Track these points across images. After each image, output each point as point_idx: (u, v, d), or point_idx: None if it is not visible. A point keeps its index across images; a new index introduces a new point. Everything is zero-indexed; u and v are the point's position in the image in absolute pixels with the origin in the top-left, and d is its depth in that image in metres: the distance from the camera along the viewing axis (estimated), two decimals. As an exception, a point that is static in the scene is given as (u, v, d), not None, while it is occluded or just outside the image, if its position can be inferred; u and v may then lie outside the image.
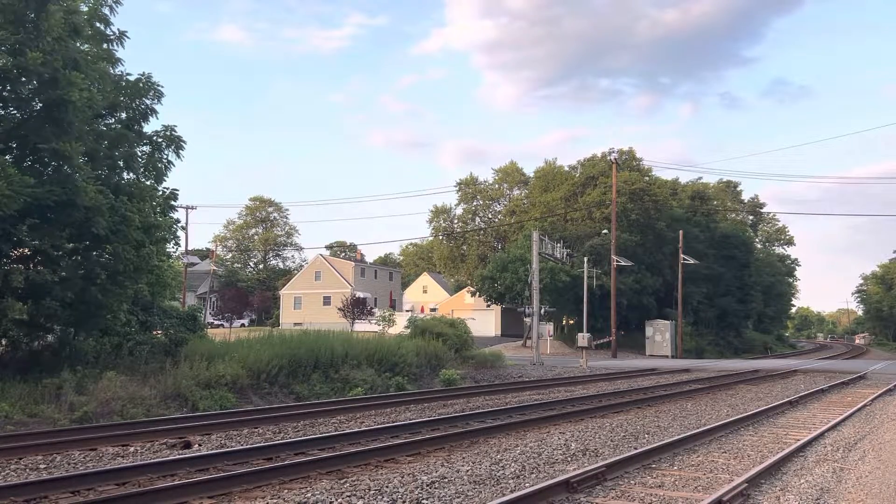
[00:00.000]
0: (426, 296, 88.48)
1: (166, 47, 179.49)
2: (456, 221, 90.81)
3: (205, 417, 14.62)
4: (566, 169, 70.19)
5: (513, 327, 61.17)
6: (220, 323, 59.05)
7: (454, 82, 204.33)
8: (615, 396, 20.31)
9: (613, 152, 57.70)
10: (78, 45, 16.31)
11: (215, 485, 8.31)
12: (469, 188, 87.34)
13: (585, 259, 50.56)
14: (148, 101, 18.02)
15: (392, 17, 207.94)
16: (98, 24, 17.42)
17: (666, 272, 61.67)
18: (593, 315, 51.82)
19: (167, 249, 19.93)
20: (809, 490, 8.66)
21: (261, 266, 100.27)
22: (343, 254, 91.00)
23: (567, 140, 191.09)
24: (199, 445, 11.53)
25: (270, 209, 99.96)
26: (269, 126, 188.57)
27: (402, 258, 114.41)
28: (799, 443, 11.80)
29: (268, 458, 10.28)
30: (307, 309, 74.20)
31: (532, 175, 77.62)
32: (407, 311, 71.87)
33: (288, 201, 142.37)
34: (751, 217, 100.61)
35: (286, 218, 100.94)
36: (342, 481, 8.88)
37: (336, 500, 7.93)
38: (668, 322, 54.64)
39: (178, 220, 19.81)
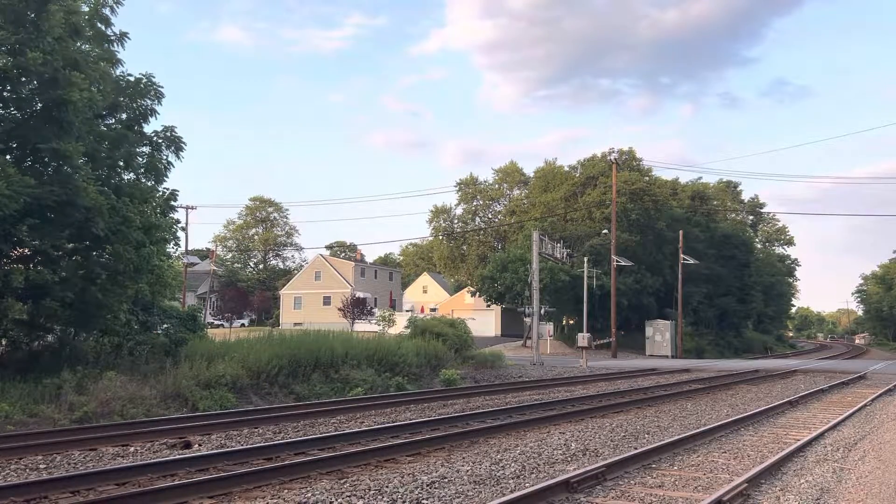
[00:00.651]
0: (426, 296, 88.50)
1: (166, 47, 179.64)
2: (456, 221, 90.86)
3: (205, 417, 14.62)
4: (566, 169, 70.22)
5: (513, 327, 61.17)
6: (220, 323, 59.06)
7: (454, 82, 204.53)
8: (615, 396, 20.31)
9: (613, 152, 57.83)
10: (78, 45, 16.32)
11: (215, 485, 8.31)
12: (469, 188, 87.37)
13: (585, 259, 50.57)
14: (148, 102, 18.03)
15: (392, 18, 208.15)
16: (99, 25, 17.43)
17: (666, 272, 61.68)
18: (593, 315, 51.83)
19: (167, 250, 19.93)
20: (809, 490, 8.66)
21: (261, 266, 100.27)
22: (343, 254, 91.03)
23: (567, 140, 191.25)
24: (199, 445, 11.53)
25: (270, 209, 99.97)
26: (269, 126, 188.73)
27: (402, 258, 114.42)
28: (799, 443, 11.80)
29: (268, 458, 10.28)
30: (307, 309, 74.22)
31: (532, 175, 77.70)
32: (407, 311, 71.89)
33: (288, 201, 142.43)
34: (751, 217, 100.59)
35: (286, 218, 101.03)
36: (342, 481, 8.88)
37: (336, 500, 7.93)
38: (668, 322, 54.65)
39: (178, 221, 19.84)
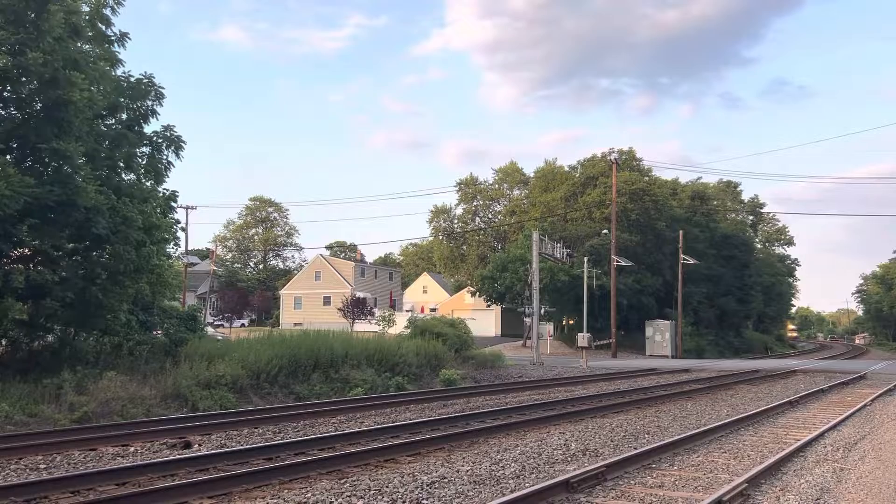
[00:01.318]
0: (426, 296, 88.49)
1: (167, 48, 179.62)
2: (456, 221, 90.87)
3: (205, 417, 14.63)
4: (566, 169, 70.21)
5: (513, 327, 61.16)
6: (220, 323, 59.07)
7: (454, 83, 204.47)
8: (615, 396, 20.31)
9: (613, 152, 57.74)
10: (79, 45, 16.31)
11: (215, 485, 8.31)
12: (469, 188, 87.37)
13: (585, 259, 50.56)
14: (149, 103, 18.02)
15: (392, 18, 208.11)
16: (99, 25, 17.42)
17: (666, 272, 61.68)
18: (593, 315, 51.81)
19: (167, 250, 19.92)
20: (809, 490, 8.66)
21: (261, 266, 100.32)
22: (343, 254, 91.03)
23: (567, 140, 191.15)
24: (199, 445, 11.53)
25: (270, 209, 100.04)
26: (270, 126, 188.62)
27: (402, 258, 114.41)
28: (799, 443, 11.80)
29: (268, 458, 10.28)
30: (307, 309, 74.23)
31: (532, 175, 77.69)
32: (407, 311, 71.86)
33: (288, 201, 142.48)
34: (751, 217, 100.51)
35: (286, 218, 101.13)
36: (342, 481, 8.88)
37: (336, 500, 7.93)
38: (668, 322, 54.64)
39: (178, 221, 19.82)
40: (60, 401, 14.17)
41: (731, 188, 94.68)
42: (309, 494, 8.12)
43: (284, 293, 79.70)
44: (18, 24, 14.80)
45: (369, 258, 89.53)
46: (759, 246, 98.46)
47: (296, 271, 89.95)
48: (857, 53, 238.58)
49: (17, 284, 14.40)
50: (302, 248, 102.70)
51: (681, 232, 57.40)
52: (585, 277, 49.48)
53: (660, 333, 53.49)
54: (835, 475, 9.58)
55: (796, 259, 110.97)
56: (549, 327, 50.89)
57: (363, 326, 49.92)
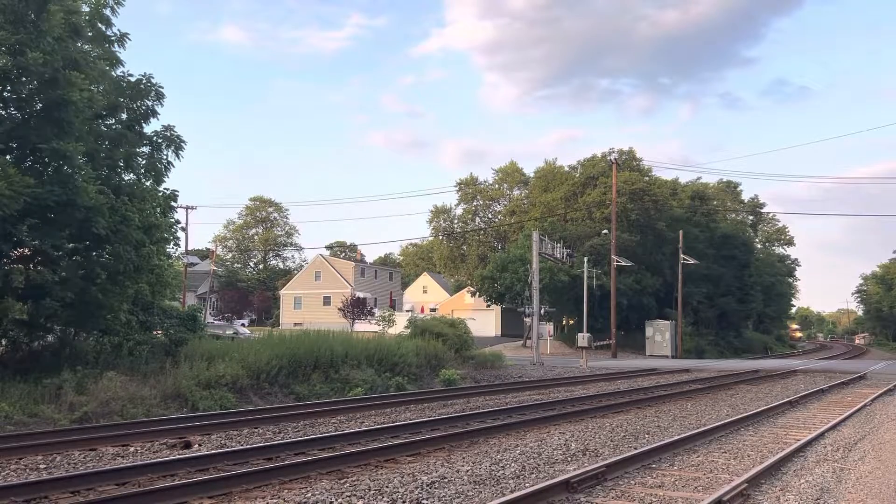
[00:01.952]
0: (426, 296, 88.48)
1: (167, 48, 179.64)
2: (456, 221, 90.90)
3: (205, 417, 14.62)
4: (566, 169, 70.20)
5: (513, 327, 61.17)
6: (220, 323, 59.07)
7: (454, 83, 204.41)
8: (615, 396, 20.31)
9: (613, 152, 57.83)
10: (79, 45, 16.31)
11: (215, 485, 8.31)
12: (469, 188, 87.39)
13: (585, 259, 50.56)
14: (149, 102, 18.03)
15: (392, 18, 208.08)
16: (99, 25, 17.43)
17: (666, 272, 61.68)
18: (593, 315, 51.82)
19: (167, 250, 19.92)
20: (809, 490, 8.66)
21: (261, 266, 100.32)
22: (343, 254, 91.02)
23: (567, 140, 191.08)
24: (199, 445, 11.53)
25: (270, 209, 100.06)
26: (270, 126, 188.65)
27: (402, 258, 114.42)
28: (799, 443, 11.80)
29: (268, 458, 10.28)
30: (307, 309, 74.24)
31: (532, 175, 77.67)
32: (407, 311, 71.87)
33: (288, 201, 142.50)
34: (751, 217, 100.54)
35: (286, 218, 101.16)
36: (342, 481, 8.88)
37: (336, 500, 7.93)
38: (668, 322, 54.64)
39: (178, 221, 19.84)
40: (60, 401, 14.17)
41: (731, 188, 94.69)
42: (309, 494, 8.12)
43: (284, 293, 79.71)
44: (18, 24, 14.80)
45: (369, 258, 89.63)
46: (759, 246, 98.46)
47: (296, 271, 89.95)
48: (857, 53, 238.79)
49: (17, 284, 14.40)
50: (302, 248, 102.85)
51: (681, 232, 57.41)
52: (585, 277, 49.48)
53: (660, 333, 53.49)
54: (835, 475, 9.58)
55: (796, 259, 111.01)
56: (549, 327, 50.90)
57: (363, 326, 49.96)
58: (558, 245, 45.21)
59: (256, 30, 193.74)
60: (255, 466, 9.58)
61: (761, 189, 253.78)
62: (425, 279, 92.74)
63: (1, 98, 15.46)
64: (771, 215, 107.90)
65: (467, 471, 9.53)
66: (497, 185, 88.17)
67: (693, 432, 12.61)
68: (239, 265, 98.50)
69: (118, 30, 17.71)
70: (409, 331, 29.96)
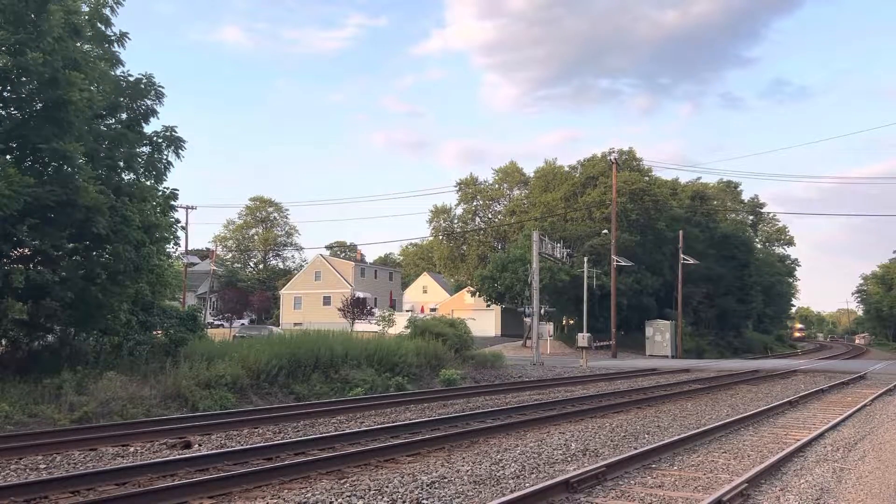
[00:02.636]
0: (426, 296, 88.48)
1: (166, 47, 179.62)
2: (456, 221, 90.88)
3: (205, 417, 14.62)
4: (566, 169, 70.20)
5: (513, 327, 61.17)
6: (220, 323, 59.05)
7: (454, 83, 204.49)
8: (615, 396, 20.31)
9: (613, 152, 57.73)
10: (79, 45, 16.31)
11: (215, 485, 8.31)
12: (469, 188, 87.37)
13: (585, 259, 50.56)
14: (149, 102, 18.02)
15: (392, 18, 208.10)
16: (99, 25, 17.42)
17: (666, 272, 61.66)
18: (593, 315, 51.82)
19: (167, 249, 19.93)
20: (809, 490, 8.66)
21: (261, 266, 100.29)
22: (343, 254, 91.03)
23: (567, 140, 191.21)
24: (199, 445, 11.53)
25: (270, 209, 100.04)
26: (270, 126, 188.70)
27: (402, 258, 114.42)
28: (799, 443, 11.80)
29: (268, 458, 10.28)
30: (307, 309, 74.22)
31: (532, 175, 77.67)
32: (407, 311, 71.87)
33: (288, 201, 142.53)
34: (751, 217, 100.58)
35: (286, 218, 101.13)
36: (342, 481, 8.88)
37: (336, 500, 7.93)
38: (668, 322, 54.63)
39: (178, 220, 19.81)
40: (60, 401, 14.17)
41: (731, 188, 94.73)
42: (309, 494, 8.12)
43: (284, 293, 79.69)
44: (18, 24, 14.80)
45: (369, 258, 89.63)
46: (759, 246, 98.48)
47: (296, 271, 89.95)
48: (857, 53, 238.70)
49: (17, 284, 14.40)
50: (302, 248, 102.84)
51: (681, 232, 57.40)
52: (585, 277, 49.47)
53: (660, 333, 53.49)
54: (835, 475, 9.58)
55: (796, 259, 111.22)
56: (549, 327, 50.89)
57: (363, 326, 49.91)
58: (558, 245, 45.24)
59: (257, 30, 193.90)
60: (255, 466, 9.58)
61: (761, 189, 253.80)
62: (425, 279, 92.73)
63: (1, 98, 15.46)
64: (771, 215, 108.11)
65: (467, 471, 9.53)
66: (497, 185, 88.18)
67: (693, 432, 12.61)
68: (239, 265, 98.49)
69: (118, 29, 17.74)
70: (409, 331, 29.95)
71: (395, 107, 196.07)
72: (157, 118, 18.31)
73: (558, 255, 44.29)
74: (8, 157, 15.30)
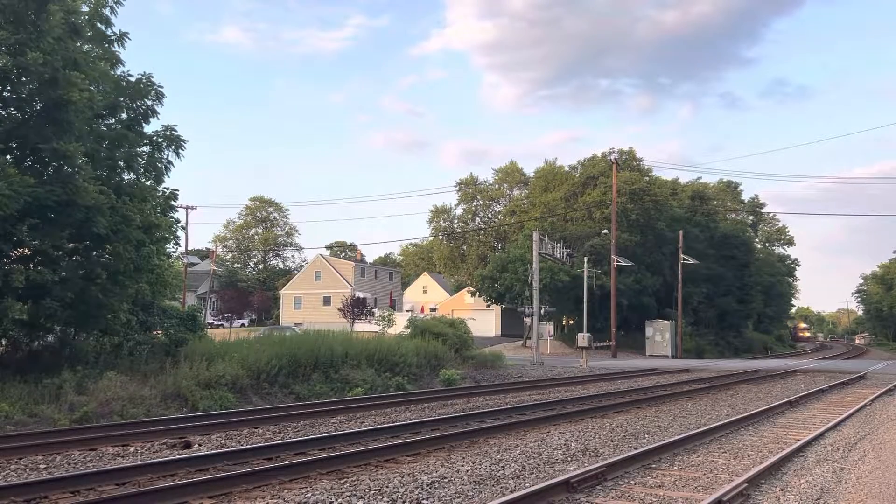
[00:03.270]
0: (426, 296, 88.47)
1: (166, 48, 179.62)
2: (456, 221, 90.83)
3: (205, 417, 14.62)
4: (566, 169, 70.17)
5: (513, 327, 61.16)
6: (220, 323, 59.03)
7: (454, 83, 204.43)
8: (615, 396, 20.31)
9: (613, 152, 57.71)
10: (79, 45, 16.31)
11: (215, 485, 8.31)
12: (469, 188, 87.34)
13: (585, 259, 50.55)
14: (149, 102, 18.04)
15: (392, 18, 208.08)
16: (99, 25, 17.43)
17: (666, 272, 61.66)
18: (593, 315, 51.82)
19: (167, 249, 19.94)
20: (809, 490, 8.66)
21: (261, 266, 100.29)
22: (343, 254, 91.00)
23: (567, 140, 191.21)
24: (199, 445, 11.53)
25: (270, 209, 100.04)
26: (270, 126, 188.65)
27: (402, 258, 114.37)
28: (799, 443, 11.80)
29: (268, 458, 10.28)
30: (307, 309, 74.21)
31: (532, 175, 77.63)
32: (407, 311, 71.85)
33: (288, 201, 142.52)
34: (751, 217, 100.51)
35: (286, 218, 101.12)
36: (342, 481, 8.88)
37: (336, 500, 7.93)
38: (668, 322, 54.63)
39: (178, 220, 19.85)
40: (60, 401, 14.17)
41: (731, 188, 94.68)
42: (309, 494, 8.12)
43: (284, 293, 79.68)
44: (18, 24, 14.80)
45: (369, 258, 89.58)
46: (759, 246, 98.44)
47: (296, 271, 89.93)
48: (857, 53, 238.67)
49: (17, 284, 14.40)
50: (302, 248, 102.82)
51: (680, 232, 57.39)
52: (585, 277, 49.47)
53: (660, 333, 53.49)
54: (835, 475, 9.58)
55: (796, 259, 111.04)
56: (549, 327, 50.88)
57: (363, 326, 49.91)
58: (558, 245, 45.25)
59: (257, 30, 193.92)
60: (255, 466, 9.58)
61: (761, 189, 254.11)
62: (425, 279, 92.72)
63: (1, 98, 15.46)
64: (771, 215, 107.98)
65: (467, 471, 9.53)
66: (497, 185, 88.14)
67: (693, 432, 12.61)
68: (239, 265, 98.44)
69: (118, 29, 17.74)
70: (409, 331, 29.96)
71: (395, 107, 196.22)
72: (158, 118, 18.34)
73: (558, 255, 44.29)
74: (8, 157, 15.30)
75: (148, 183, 18.16)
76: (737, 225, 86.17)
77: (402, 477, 9.10)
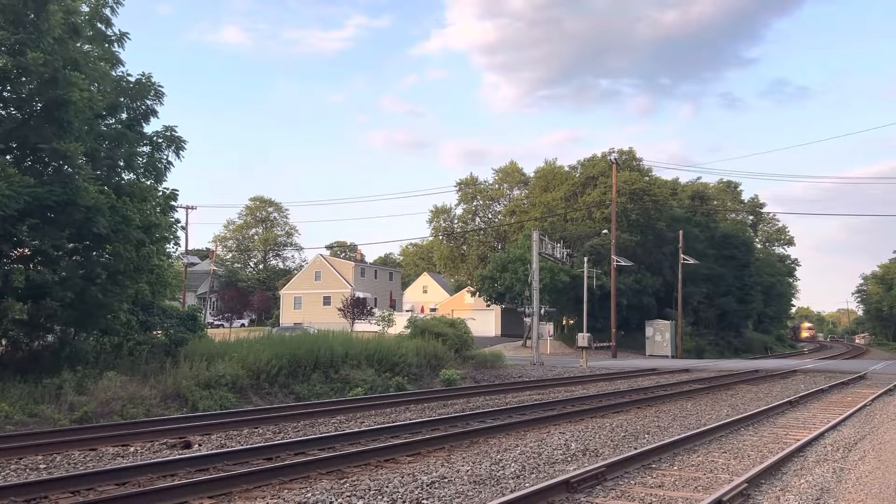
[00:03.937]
0: (426, 296, 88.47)
1: (166, 48, 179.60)
2: (456, 221, 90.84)
3: (205, 417, 14.62)
4: (566, 169, 70.20)
5: (513, 327, 61.16)
6: (220, 323, 59.03)
7: (455, 83, 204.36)
8: (615, 396, 20.31)
9: (613, 152, 57.69)
10: (79, 45, 16.32)
11: (215, 485, 8.31)
12: (469, 188, 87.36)
13: (585, 259, 50.55)
14: (149, 102, 18.05)
15: (393, 18, 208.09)
16: (99, 25, 17.43)
17: (666, 272, 61.66)
18: (593, 315, 51.81)
19: (167, 249, 19.93)
20: (809, 490, 8.66)
21: (261, 266, 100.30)
22: (343, 254, 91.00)
23: (567, 140, 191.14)
24: (199, 445, 11.53)
25: (270, 209, 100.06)
26: (270, 126, 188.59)
27: (402, 258, 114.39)
28: (799, 443, 11.80)
29: (268, 458, 10.28)
30: (307, 309, 74.21)
31: (532, 175, 77.66)
32: (407, 311, 71.86)
33: (288, 201, 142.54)
34: (751, 217, 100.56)
35: (286, 218, 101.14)
36: (342, 481, 8.88)
37: (336, 500, 7.93)
38: (668, 322, 54.63)
39: (178, 220, 19.82)
40: (60, 401, 14.17)
41: (731, 188, 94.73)
42: (309, 494, 8.12)
43: (284, 293, 79.68)
44: (18, 24, 14.81)
45: (369, 258, 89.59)
46: (759, 246, 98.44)
47: (296, 271, 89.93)
48: (857, 53, 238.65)
49: (17, 284, 14.40)
50: (302, 248, 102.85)
51: (681, 232, 57.40)
52: (585, 277, 49.47)
53: (660, 333, 53.49)
54: (835, 475, 9.58)
55: (796, 259, 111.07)
56: (549, 327, 50.88)
57: (363, 326, 49.93)
58: (558, 245, 45.22)
59: (257, 30, 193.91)
60: (255, 466, 9.58)
61: (761, 189, 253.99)
62: (425, 279, 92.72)
63: (1, 98, 15.46)
64: (771, 215, 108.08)
65: (467, 471, 9.53)
66: (497, 185, 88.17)
67: (693, 432, 12.61)
68: (239, 265, 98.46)
69: (118, 29, 17.74)
70: (409, 331, 29.96)
71: (396, 107, 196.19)
72: (158, 118, 18.35)
73: (558, 255, 44.27)
74: (8, 157, 15.30)
75: (148, 183, 18.16)
76: (737, 225, 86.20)
77: (402, 477, 9.10)
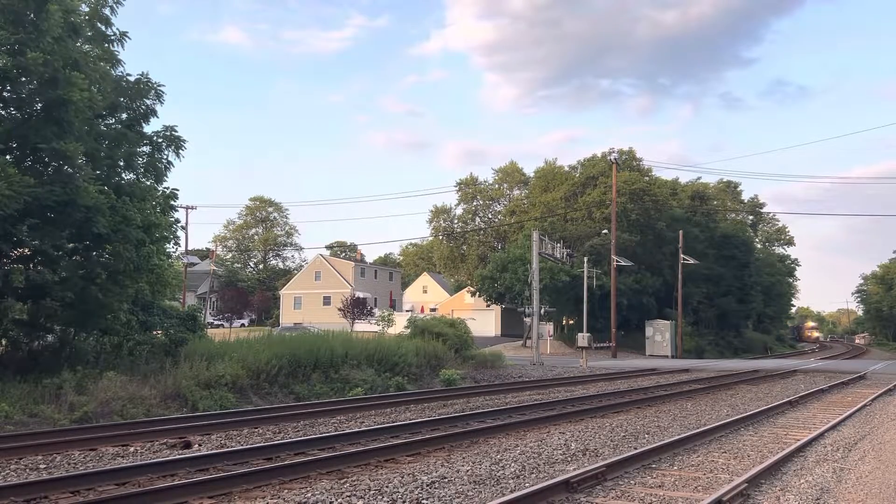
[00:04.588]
0: (426, 296, 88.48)
1: (167, 48, 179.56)
2: (456, 221, 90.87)
3: (205, 417, 14.62)
4: (566, 169, 70.22)
5: (513, 327, 61.18)
6: (219, 323, 59.04)
7: (455, 83, 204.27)
8: (615, 396, 20.31)
9: (613, 152, 57.69)
10: (78, 45, 16.31)
11: (215, 485, 8.31)
12: (469, 188, 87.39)
13: (585, 259, 50.55)
14: (149, 102, 18.03)
15: (393, 19, 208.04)
16: (99, 25, 17.43)
17: (666, 272, 61.67)
18: (593, 315, 51.82)
19: (167, 249, 19.93)
20: (809, 490, 8.66)
21: (261, 266, 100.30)
22: (343, 254, 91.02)
23: (567, 140, 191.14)
24: (199, 445, 11.53)
25: (270, 209, 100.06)
26: (270, 126, 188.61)
27: (402, 258, 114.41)
28: (799, 443, 11.80)
29: (268, 458, 10.28)
30: (307, 309, 74.22)
31: (532, 175, 77.70)
32: (407, 311, 71.88)
33: (288, 201, 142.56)
34: (751, 217, 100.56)
35: (286, 218, 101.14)
36: (342, 481, 8.88)
37: (336, 500, 7.93)
38: (668, 322, 54.63)
39: (178, 220, 19.83)
40: (60, 401, 14.17)
41: (731, 188, 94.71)
42: (309, 494, 8.12)
43: (284, 293, 79.69)
44: (18, 24, 14.79)
45: (369, 258, 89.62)
46: (759, 246, 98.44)
47: (296, 271, 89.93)
48: (857, 53, 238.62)
49: (17, 284, 14.40)
50: (302, 248, 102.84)
51: (680, 232, 57.41)
52: (585, 277, 49.47)
53: (660, 333, 53.49)
54: (835, 475, 9.58)
55: (796, 259, 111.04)
56: (549, 327, 50.90)
57: (363, 326, 49.94)
58: (558, 245, 45.20)
59: (257, 30, 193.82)
60: (255, 466, 9.58)
61: (761, 189, 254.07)
62: (425, 279, 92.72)
63: (1, 98, 15.46)
64: (771, 215, 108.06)
65: (467, 471, 9.53)
66: (497, 185, 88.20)
67: (693, 432, 12.61)
68: (239, 265, 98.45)
69: (117, 29, 17.72)
70: (409, 331, 29.97)
71: (396, 107, 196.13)
72: (157, 118, 18.33)
73: (558, 255, 44.26)
74: (8, 157, 15.29)
75: (148, 183, 18.16)
76: (737, 225, 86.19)
77: (402, 477, 9.10)
